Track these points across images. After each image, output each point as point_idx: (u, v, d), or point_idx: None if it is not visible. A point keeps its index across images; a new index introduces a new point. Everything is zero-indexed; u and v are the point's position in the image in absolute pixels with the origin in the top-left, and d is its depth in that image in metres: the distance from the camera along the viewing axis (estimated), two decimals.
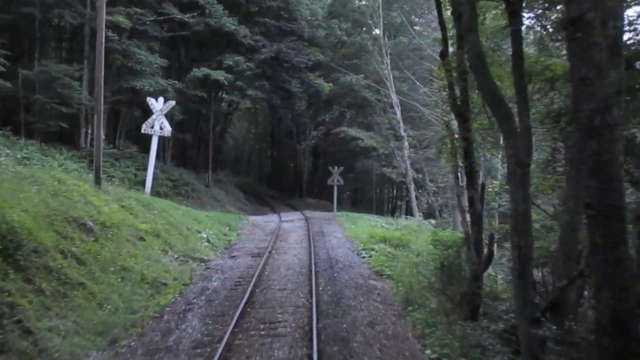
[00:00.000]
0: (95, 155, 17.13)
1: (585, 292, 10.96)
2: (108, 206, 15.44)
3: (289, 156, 56.27)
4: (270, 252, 17.94)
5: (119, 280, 12.09)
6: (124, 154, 28.31)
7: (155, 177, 29.77)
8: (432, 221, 31.82)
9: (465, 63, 12.77)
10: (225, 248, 20.21)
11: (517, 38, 10.33)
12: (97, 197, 15.55)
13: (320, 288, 12.72)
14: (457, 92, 12.94)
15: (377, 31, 37.28)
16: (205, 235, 19.88)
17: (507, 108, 10.52)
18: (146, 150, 33.80)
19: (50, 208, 12.56)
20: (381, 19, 36.56)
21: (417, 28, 40.58)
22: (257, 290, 12.49)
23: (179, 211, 21.57)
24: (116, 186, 20.57)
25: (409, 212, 53.01)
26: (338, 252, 18.22)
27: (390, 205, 57.60)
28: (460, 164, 14.65)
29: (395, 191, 56.95)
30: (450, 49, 13.86)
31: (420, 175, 38.61)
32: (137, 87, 26.55)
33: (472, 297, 12.17)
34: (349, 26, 40.32)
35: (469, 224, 13.86)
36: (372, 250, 18.90)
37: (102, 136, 28.59)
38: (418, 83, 36.25)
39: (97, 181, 16.98)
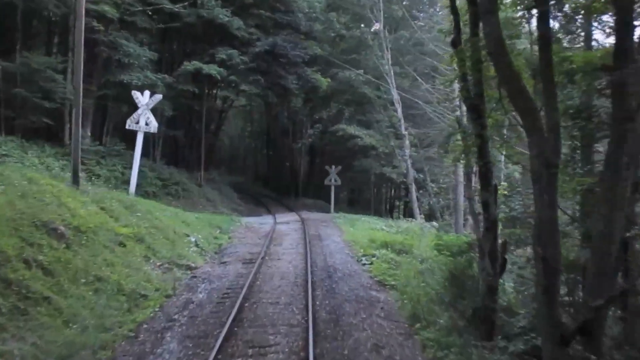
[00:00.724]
0: (73, 152, 15.88)
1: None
2: (85, 208, 14.17)
3: (285, 155, 54.99)
4: (263, 258, 16.72)
5: (92, 292, 10.82)
6: (110, 152, 27.01)
7: (143, 176, 28.56)
8: (435, 224, 30.60)
9: (480, 51, 11.59)
10: (216, 253, 18.96)
11: (544, 20, 9.15)
12: (73, 198, 14.28)
13: (318, 302, 11.49)
14: (470, 84, 11.77)
15: (377, 26, 35.95)
16: (193, 239, 18.63)
17: (531, 101, 9.36)
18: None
19: (16, 211, 11.31)
20: (382, 12, 35.28)
21: (418, 23, 39.31)
22: (246, 304, 11.25)
23: (166, 213, 20.29)
24: (98, 186, 19.39)
25: (409, 214, 51.98)
26: (336, 259, 17.01)
27: (388, 206, 56.49)
28: (473, 164, 13.47)
29: (393, 191, 55.86)
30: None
31: (421, 176, 37.40)
32: (125, 81, 25.23)
33: (487, 313, 10.99)
34: (348, 19, 39.04)
35: (482, 230, 12.68)
36: (373, 256, 17.69)
37: (88, 133, 27.55)
38: (420, 79, 35.04)
39: (75, 181, 15.72)
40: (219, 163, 61.83)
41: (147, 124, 19.41)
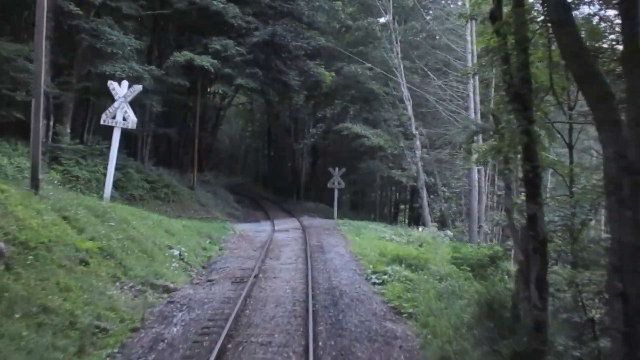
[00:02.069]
0: (33, 151, 13.62)
1: None
2: (40, 218, 11.91)
3: (286, 156, 53.15)
4: (256, 276, 14.47)
5: (33, 328, 8.57)
6: (92, 151, 24.73)
7: (129, 179, 26.39)
8: (449, 232, 28.29)
9: (527, 25, 9.36)
10: (203, 267, 16.77)
11: None
12: (26, 206, 12.01)
13: (321, 343, 9.21)
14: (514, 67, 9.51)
15: (386, 17, 33.55)
16: (177, 252, 16.39)
17: (606, 85, 7.16)
18: (122, 145, 30.36)
19: None
20: (391, 1, 32.93)
21: (430, 13, 37.04)
22: (230, 345, 8.98)
23: (147, 221, 18.01)
24: (65, 190, 17.13)
25: (415, 219, 49.71)
26: (342, 278, 14.74)
27: (393, 209, 54.46)
28: (509, 168, 11.17)
29: (398, 194, 53.78)
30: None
31: (432, 179, 35.09)
32: (108, 73, 22.96)
33: (534, 357, 8.79)
34: (355, 9, 36.59)
35: (521, 249, 10.50)
36: (385, 273, 15.41)
37: (67, 130, 25.22)
38: (432, 75, 32.77)
39: (34, 184, 13.45)
40: (218, 164, 60.42)
41: (124, 119, 17.15)
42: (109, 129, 26.32)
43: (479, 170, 31.60)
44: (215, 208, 31.57)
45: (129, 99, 17.23)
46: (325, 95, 39.13)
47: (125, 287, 12.03)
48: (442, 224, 33.83)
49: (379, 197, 51.47)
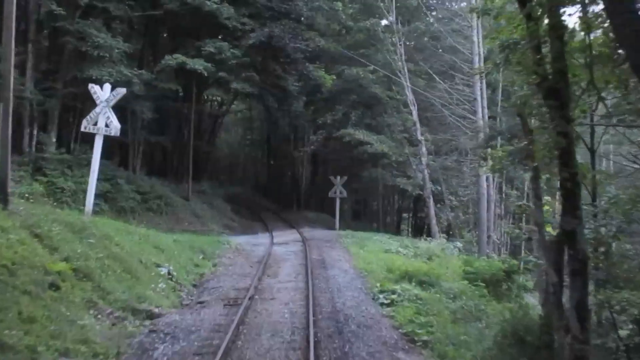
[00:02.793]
0: (1, 162, 12.30)
1: None
2: (5, 237, 10.61)
3: (286, 164, 51.89)
4: (251, 297, 13.16)
5: None
6: (79, 161, 23.51)
7: (118, 190, 25.14)
8: (458, 243, 26.95)
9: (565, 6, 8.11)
10: (194, 286, 15.50)
11: None
12: None
13: None
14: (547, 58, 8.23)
15: (389, 18, 32.27)
16: (165, 270, 15.04)
17: None
18: (108, 156, 29.01)
19: None
20: (393, 1, 31.67)
21: (434, 14, 35.87)
22: None
23: (133, 236, 16.65)
24: (40, 205, 15.84)
25: (421, 230, 48.40)
26: (347, 298, 13.41)
27: (395, 218, 53.20)
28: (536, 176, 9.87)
29: (401, 202, 52.56)
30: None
31: (438, 187, 33.77)
32: (94, 77, 21.70)
33: None
34: (356, 10, 35.25)
35: (550, 268, 9.25)
36: (394, 293, 14.09)
37: (53, 139, 23.97)
38: (437, 78, 31.53)
39: (3, 199, 12.15)
40: (217, 173, 59.25)
41: (107, 126, 15.82)
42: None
43: (487, 178, 30.40)
44: (211, 220, 30.30)
45: (112, 103, 15.93)
46: (326, 100, 37.85)
47: (102, 314, 10.68)
48: (448, 234, 32.54)
49: (383, 206, 50.20)
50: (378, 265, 18.25)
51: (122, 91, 16.25)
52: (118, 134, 16.26)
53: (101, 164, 25.36)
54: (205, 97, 38.76)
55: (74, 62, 23.21)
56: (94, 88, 16.19)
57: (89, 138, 24.36)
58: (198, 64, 24.64)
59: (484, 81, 30.27)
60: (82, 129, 16.56)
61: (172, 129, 35.15)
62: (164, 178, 32.62)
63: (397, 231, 50.24)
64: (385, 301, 13.60)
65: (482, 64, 29.93)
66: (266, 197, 54.26)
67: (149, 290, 13.10)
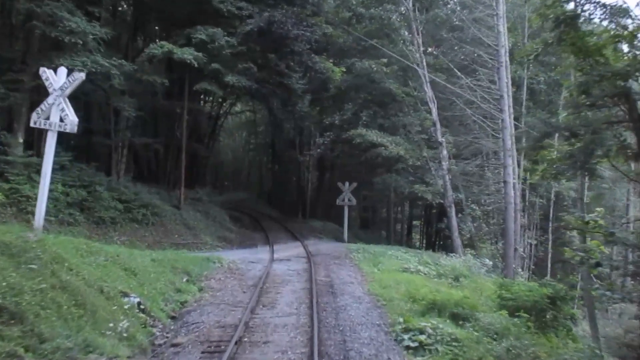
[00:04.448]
0: None
1: None
2: None
3: (291, 170, 49.55)
4: (239, 340, 10.34)
5: None
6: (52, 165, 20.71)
7: (97, 198, 22.44)
8: (487, 260, 24.00)
9: None
10: (172, 318, 12.77)
11: None
12: None
13: None
14: None
15: (405, 4, 29.37)
16: (135, 301, 12.22)
17: None
18: (92, 157, 26.37)
19: None
20: None
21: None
22: None
23: (97, 258, 13.77)
24: (22, 214, 13.17)
25: (434, 240, 45.58)
26: (363, 341, 10.59)
27: (406, 226, 51.58)
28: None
29: (411, 210, 50.14)
30: None
31: (458, 195, 30.87)
32: (67, 68, 18.96)
33: None
34: None
35: None
36: (422, 332, 11.27)
37: (20, 139, 21.22)
38: (459, 73, 28.67)
39: None
40: (221, 179, 57.85)
41: (62, 120, 13.11)
42: (73, 138, 22.54)
43: (514, 185, 27.65)
44: (205, 231, 27.52)
45: (68, 91, 13.16)
46: (333, 98, 35.07)
47: None
48: (469, 247, 29.68)
49: (393, 216, 47.57)
50: (397, 290, 15.42)
51: (80, 76, 13.47)
52: (75, 130, 13.45)
53: (77, 169, 22.96)
54: (202, 97, 35.93)
55: (43, 50, 20.49)
56: (45, 73, 13.44)
57: (63, 139, 21.78)
58: (187, 53, 21.74)
59: (509, 77, 27.73)
60: (32, 124, 13.83)
61: (164, 130, 32.52)
62: (156, 185, 30.00)
63: (407, 240, 47.75)
64: (412, 344, 10.79)
65: (507, 58, 27.23)
66: (270, 204, 52.31)
67: (106, 330, 10.27)
